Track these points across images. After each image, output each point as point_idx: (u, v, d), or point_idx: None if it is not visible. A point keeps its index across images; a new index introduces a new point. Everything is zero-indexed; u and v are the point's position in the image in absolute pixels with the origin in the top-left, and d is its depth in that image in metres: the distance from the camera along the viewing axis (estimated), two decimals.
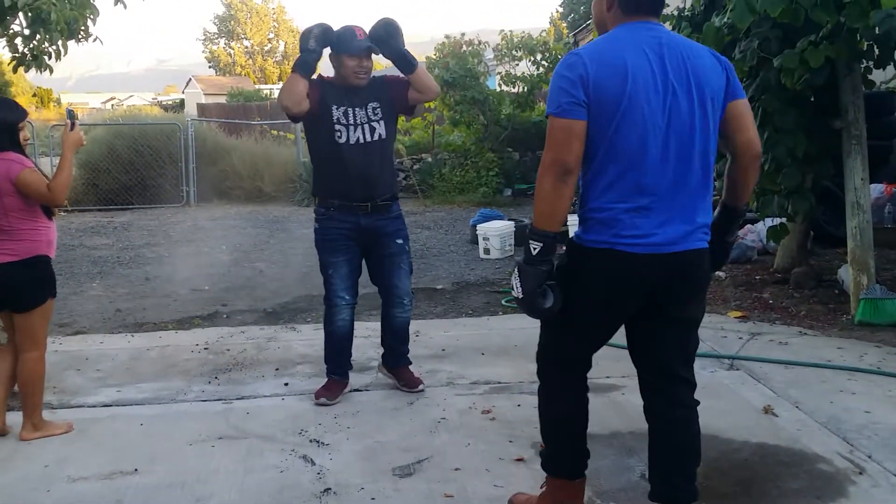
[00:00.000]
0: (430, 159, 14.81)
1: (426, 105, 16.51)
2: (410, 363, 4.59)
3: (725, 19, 5.53)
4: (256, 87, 41.52)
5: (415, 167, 14.81)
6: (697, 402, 2.78)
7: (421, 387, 4.44)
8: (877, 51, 5.67)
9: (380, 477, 3.45)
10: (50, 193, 3.75)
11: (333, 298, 4.34)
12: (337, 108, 4.14)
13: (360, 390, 4.54)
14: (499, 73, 15.26)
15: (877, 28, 4.98)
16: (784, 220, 6.67)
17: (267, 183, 14.24)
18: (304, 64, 4.12)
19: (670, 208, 2.53)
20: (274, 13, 62.88)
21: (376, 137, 4.20)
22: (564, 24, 25.87)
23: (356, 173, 4.13)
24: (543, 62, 14.45)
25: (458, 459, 3.59)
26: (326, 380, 4.42)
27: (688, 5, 6.70)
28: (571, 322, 2.71)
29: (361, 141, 4.15)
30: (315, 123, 4.20)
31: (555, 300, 2.62)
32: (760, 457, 3.60)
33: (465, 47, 14.33)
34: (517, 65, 14.81)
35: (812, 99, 6.11)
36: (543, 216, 2.54)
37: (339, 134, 4.14)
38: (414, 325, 5.68)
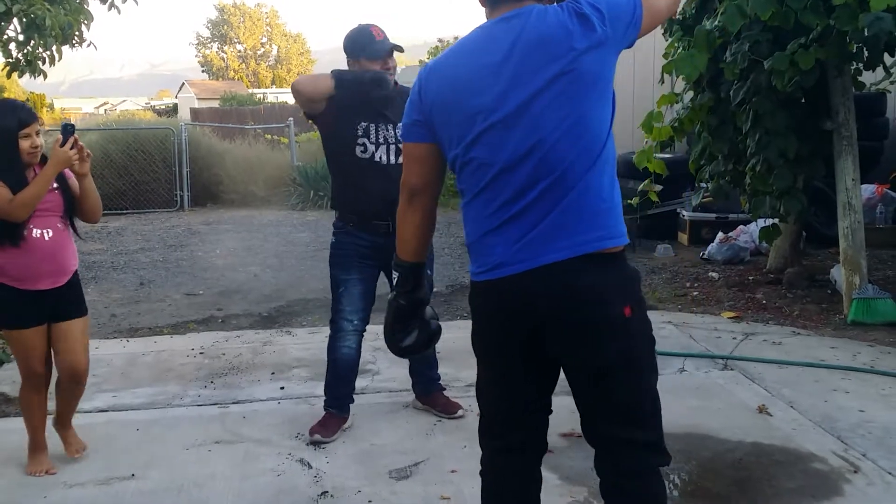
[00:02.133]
0: None
1: None
2: (444, 388, 4.27)
3: (716, 23, 5.56)
4: (250, 91, 41.52)
5: None
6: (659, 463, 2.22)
7: (461, 412, 4.10)
8: (866, 53, 5.71)
9: (376, 479, 3.47)
10: (9, 206, 3.25)
11: (340, 321, 3.95)
12: (362, 122, 3.73)
13: (357, 393, 4.54)
14: None
15: (866, 30, 5.01)
16: (776, 220, 6.70)
17: (261, 187, 14.23)
18: (342, 78, 3.69)
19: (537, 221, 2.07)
20: (267, 17, 62.91)
21: (401, 160, 3.91)
22: None
23: (377, 193, 3.71)
24: None
25: (455, 461, 3.60)
26: (324, 413, 4.02)
27: (679, 9, 6.72)
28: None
29: (384, 161, 3.77)
30: (335, 132, 3.80)
31: (417, 339, 2.41)
32: (755, 456, 3.63)
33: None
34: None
35: (803, 101, 6.16)
36: (398, 241, 2.34)
37: (361, 149, 3.75)
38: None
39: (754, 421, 4.00)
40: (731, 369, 4.82)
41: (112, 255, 9.67)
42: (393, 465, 3.60)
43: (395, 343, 2.42)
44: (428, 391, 4.22)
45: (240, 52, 61.49)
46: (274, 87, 53.85)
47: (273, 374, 4.93)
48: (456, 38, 14.80)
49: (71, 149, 3.34)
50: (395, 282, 2.38)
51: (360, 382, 4.68)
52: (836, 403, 4.21)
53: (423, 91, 2.18)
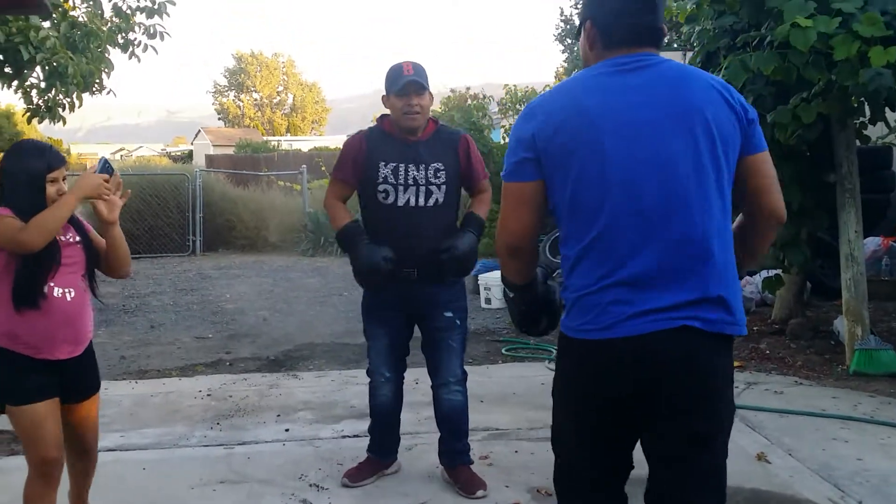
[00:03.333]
0: None
1: None
2: (471, 462, 3.90)
3: (721, 75, 5.68)
4: (264, 138, 42.01)
5: None
6: None
7: (481, 493, 3.71)
8: (867, 108, 5.82)
9: None
10: (21, 234, 2.77)
11: (372, 374, 3.90)
12: (385, 165, 3.60)
13: (360, 436, 4.59)
14: (503, 126, 15.50)
15: (867, 86, 5.12)
16: (780, 271, 6.76)
17: (272, 233, 14.40)
18: (342, 242, 3.75)
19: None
20: (284, 66, 63.84)
21: (431, 203, 3.62)
22: None
23: (403, 239, 3.57)
24: None
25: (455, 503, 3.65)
26: (365, 457, 4.00)
27: (686, 61, 6.87)
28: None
29: (412, 204, 3.60)
30: (362, 180, 3.67)
31: (549, 322, 2.36)
32: (754, 502, 3.65)
33: (469, 101, 14.59)
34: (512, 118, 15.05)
35: (807, 153, 6.25)
36: (505, 273, 2.28)
37: (384, 195, 3.60)
38: (413, 373, 5.71)
39: (753, 468, 4.02)
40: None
41: (123, 299, 9.78)
42: None
43: (532, 333, 2.43)
44: (453, 464, 3.88)
45: (256, 100, 62.32)
46: (288, 134, 54.42)
47: (279, 416, 4.99)
48: (468, 88, 15.05)
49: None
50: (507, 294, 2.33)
51: (363, 426, 4.74)
52: (834, 452, 4.24)
53: None
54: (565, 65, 27.54)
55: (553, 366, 6.10)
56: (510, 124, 15.08)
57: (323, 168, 17.44)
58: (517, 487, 3.79)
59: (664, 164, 1.99)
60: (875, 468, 3.99)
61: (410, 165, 3.61)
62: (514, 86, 15.01)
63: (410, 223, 3.60)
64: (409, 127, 3.62)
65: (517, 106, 14.82)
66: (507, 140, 15.69)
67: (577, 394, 2.13)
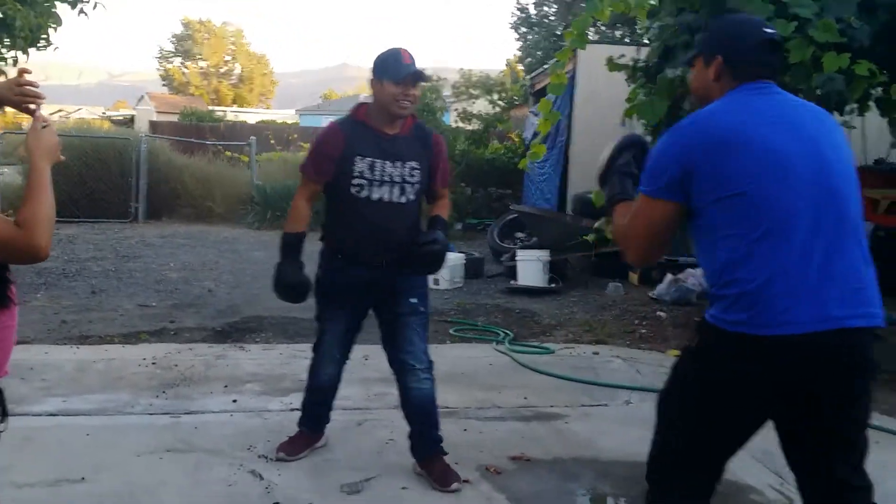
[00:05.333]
0: None
1: None
2: (445, 453, 3.74)
3: (678, 72, 5.76)
4: (210, 108, 41.26)
5: None
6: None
7: (455, 485, 3.58)
8: None
9: (328, 493, 3.52)
10: (22, 233, 2.02)
11: (321, 353, 3.85)
12: (362, 159, 3.49)
13: None
14: (455, 109, 15.51)
15: (818, 90, 5.24)
16: None
17: (218, 203, 14.20)
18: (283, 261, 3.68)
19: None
20: (232, 37, 62.73)
21: (403, 200, 3.56)
22: (521, 68, 26.39)
23: (373, 234, 3.53)
24: (500, 101, 14.72)
25: (406, 479, 3.67)
26: (296, 431, 3.96)
27: (643, 56, 6.94)
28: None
29: (385, 200, 3.53)
30: (336, 174, 3.56)
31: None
32: None
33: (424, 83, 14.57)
34: (474, 103, 15.06)
35: None
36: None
37: (357, 188, 3.50)
38: (363, 350, 5.72)
39: None
40: None
41: (63, 263, 9.57)
42: (344, 479, 3.64)
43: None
44: (428, 453, 3.72)
45: (202, 68, 61.13)
46: (235, 105, 53.54)
47: (226, 386, 4.95)
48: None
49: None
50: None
51: None
52: (775, 440, 4.34)
53: None
54: (518, 53, 27.64)
55: (501, 347, 6.18)
56: (463, 108, 15.11)
57: (273, 141, 17.30)
58: (467, 465, 3.82)
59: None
60: None
61: (387, 162, 3.52)
62: (469, 70, 15.02)
63: (381, 217, 3.53)
64: (398, 115, 3.50)
65: (471, 90, 14.86)
66: (458, 123, 15.71)
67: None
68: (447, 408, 4.66)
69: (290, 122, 35.26)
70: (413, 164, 3.56)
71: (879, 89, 5.70)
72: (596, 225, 7.09)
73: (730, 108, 2.28)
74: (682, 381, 2.39)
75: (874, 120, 6.56)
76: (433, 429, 3.75)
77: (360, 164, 3.49)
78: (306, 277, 3.62)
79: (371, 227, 3.52)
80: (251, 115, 40.53)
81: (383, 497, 3.51)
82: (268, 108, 55.18)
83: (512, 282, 8.89)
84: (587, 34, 6.93)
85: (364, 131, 3.55)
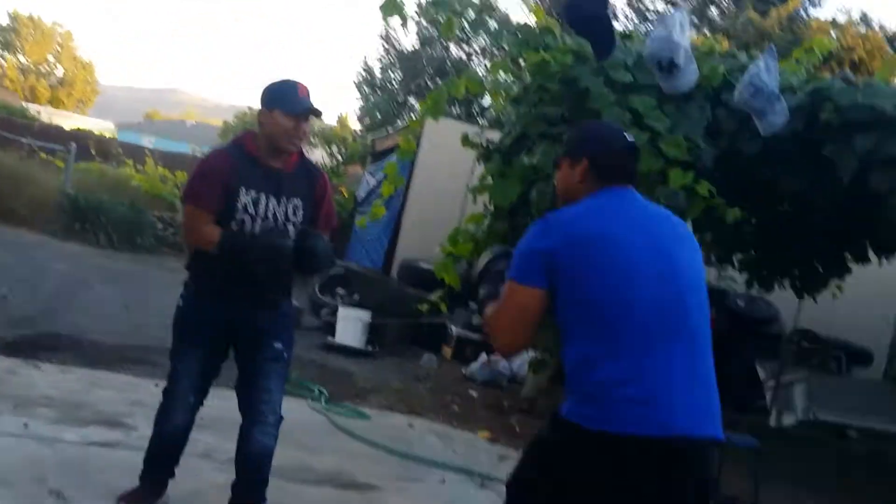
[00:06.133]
0: None
1: None
2: (264, 501, 3.54)
3: (534, 160, 5.93)
4: (24, 104, 38.59)
5: None
6: None
7: None
8: None
9: None
10: None
11: (173, 399, 3.48)
12: (246, 192, 3.26)
13: (109, 446, 4.21)
14: None
15: (661, 202, 5.54)
16: (547, 355, 7.07)
17: (23, 205, 13.12)
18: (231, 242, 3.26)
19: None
20: (60, 38, 59.46)
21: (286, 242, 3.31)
22: (359, 127, 26.68)
23: (247, 273, 3.25)
24: (338, 155, 14.70)
25: None
26: (138, 484, 3.54)
27: (485, 136, 7.10)
28: None
29: None
30: (217, 200, 3.28)
31: None
32: None
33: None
34: (311, 152, 14.97)
35: None
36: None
37: (239, 224, 3.27)
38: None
39: None
40: (488, 488, 4.95)
41: None
42: None
43: None
44: (244, 499, 3.52)
45: (22, 64, 57.38)
46: (50, 106, 50.44)
47: (16, 407, 4.47)
48: None
49: None
50: None
51: (113, 435, 4.38)
52: None
53: None
54: (358, 112, 27.92)
55: (317, 406, 5.97)
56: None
57: (94, 152, 16.33)
58: None
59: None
60: None
61: (271, 197, 3.30)
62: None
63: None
64: (287, 150, 3.30)
65: (310, 139, 14.75)
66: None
67: None
68: None
69: (107, 134, 33.53)
70: (296, 202, 3.35)
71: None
72: (432, 296, 7.09)
73: (593, 210, 2.38)
74: (531, 468, 2.40)
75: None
76: (262, 484, 3.52)
77: (245, 198, 3.26)
78: (276, 230, 3.27)
79: (247, 265, 3.23)
80: (67, 120, 38.22)
81: None
82: (83, 115, 52.30)
83: (329, 338, 8.70)
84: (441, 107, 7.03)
85: (251, 162, 3.31)
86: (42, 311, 7.34)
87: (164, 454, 3.56)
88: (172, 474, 3.61)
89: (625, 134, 2.58)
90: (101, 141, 21.07)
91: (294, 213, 3.34)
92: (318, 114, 3.37)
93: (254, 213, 3.27)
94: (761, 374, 7.72)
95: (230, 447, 4.49)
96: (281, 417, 3.51)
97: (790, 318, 10.83)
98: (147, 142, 35.40)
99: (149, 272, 11.45)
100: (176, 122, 66.93)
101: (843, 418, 8.05)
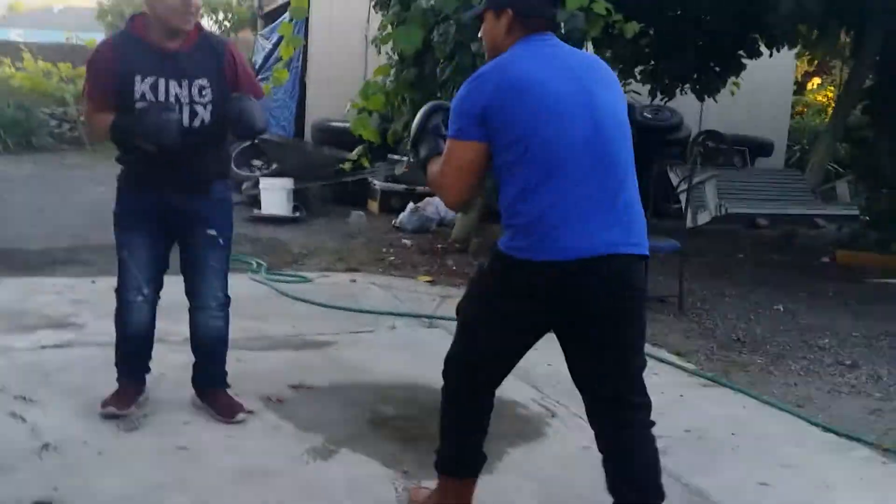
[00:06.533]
0: None
1: None
2: (228, 386, 3.63)
3: (432, 2, 5.87)
4: None
5: (81, 118, 13.73)
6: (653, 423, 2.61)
7: (241, 416, 3.50)
8: None
9: (104, 431, 3.31)
10: None
11: (126, 292, 3.40)
12: (142, 80, 3.11)
13: (62, 346, 4.26)
14: None
15: (562, 26, 5.59)
16: None
17: None
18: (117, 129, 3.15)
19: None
20: None
21: (197, 123, 3.20)
22: None
23: (164, 161, 3.15)
24: (226, 23, 14.15)
25: (185, 413, 3.55)
26: (117, 386, 3.52)
27: None
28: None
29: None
30: (115, 97, 3.16)
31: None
32: None
33: None
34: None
35: None
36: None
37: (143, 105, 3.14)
38: (109, 281, 5.27)
39: None
40: (436, 327, 5.18)
41: None
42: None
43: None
44: (209, 387, 3.60)
45: None
46: None
47: None
48: None
49: None
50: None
51: (64, 336, 4.42)
52: (526, 357, 4.68)
53: None
54: None
55: (258, 277, 6.07)
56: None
57: None
58: (248, 396, 3.73)
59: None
60: (563, 371, 4.47)
61: (171, 81, 3.14)
62: None
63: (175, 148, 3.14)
64: (180, 28, 3.14)
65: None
66: None
67: None
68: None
69: None
70: (202, 81, 3.19)
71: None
72: (352, 154, 7.12)
73: (519, 57, 2.48)
74: (476, 296, 2.68)
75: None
76: (218, 365, 3.61)
77: (141, 86, 3.12)
78: (160, 105, 3.14)
79: (159, 153, 3.12)
80: None
81: (165, 431, 3.37)
82: None
83: (255, 210, 8.70)
84: None
85: (141, 47, 3.16)
86: None
87: (133, 353, 3.55)
88: (148, 369, 3.63)
89: None
90: None
91: (200, 94, 3.20)
92: None
93: (153, 99, 3.14)
94: (673, 178, 8.03)
95: (182, 329, 4.62)
96: (227, 299, 3.55)
97: (694, 122, 11.23)
98: (15, 35, 33.25)
99: (53, 172, 11.15)
100: (42, 11, 62.64)
101: (752, 209, 8.51)
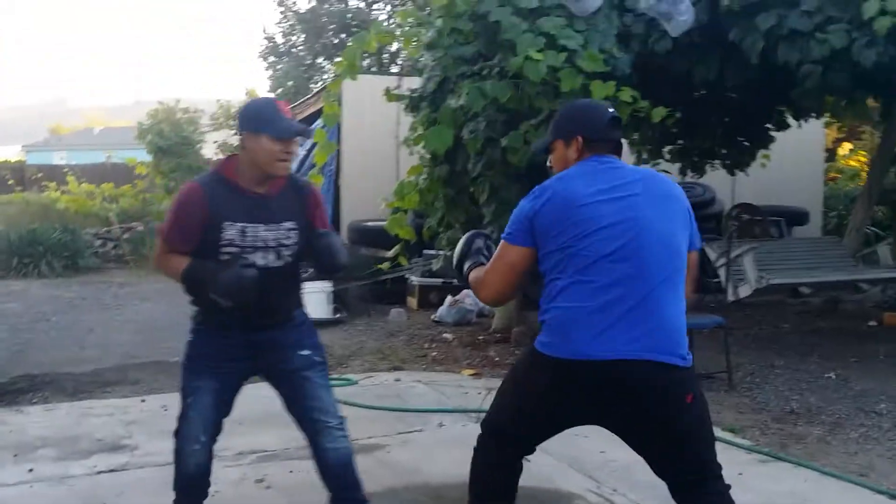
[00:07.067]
0: (141, 228, 14.23)
1: (137, 171, 15.94)
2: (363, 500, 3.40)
3: (461, 102, 6.04)
4: None
5: (125, 236, 14.14)
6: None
7: None
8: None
9: None
10: None
11: (184, 441, 3.23)
12: (231, 226, 3.06)
13: (117, 471, 4.30)
14: (215, 140, 15.17)
15: None
16: None
17: None
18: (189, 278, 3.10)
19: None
20: None
21: (280, 264, 3.16)
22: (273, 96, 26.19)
23: (246, 305, 3.06)
24: None
25: None
26: None
27: (419, 85, 7.18)
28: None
29: (259, 265, 3.08)
30: (201, 241, 3.10)
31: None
32: (523, 498, 3.90)
33: (180, 114, 14.11)
34: (234, 133, 14.80)
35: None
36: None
37: (227, 257, 3.08)
38: (159, 399, 5.49)
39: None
40: None
41: None
42: None
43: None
44: None
45: None
46: None
47: (16, 455, 4.51)
48: (178, 100, 14.51)
49: None
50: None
51: (118, 459, 4.47)
52: (579, 446, 4.64)
53: None
54: (270, 82, 27.41)
55: None
56: (222, 139, 14.81)
57: (11, 182, 15.93)
58: None
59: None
60: (618, 458, 4.44)
61: (260, 225, 3.10)
62: (228, 100, 14.77)
63: (261, 287, 3.06)
64: (276, 175, 3.10)
65: (230, 122, 14.60)
66: (218, 155, 15.38)
67: None
68: (266, 451, 4.59)
69: (14, 159, 32.53)
70: (289, 224, 3.16)
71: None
72: (390, 252, 7.22)
73: (577, 175, 2.71)
74: (516, 377, 2.93)
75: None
76: (356, 490, 3.39)
77: (230, 231, 3.06)
78: (241, 262, 3.06)
79: (212, 299, 3.04)
80: None
81: None
82: None
83: None
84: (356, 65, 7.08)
85: (232, 192, 3.10)
86: (7, 355, 7.27)
87: (191, 488, 3.35)
88: (206, 496, 3.41)
89: (608, 107, 2.88)
90: (15, 169, 20.52)
91: (287, 237, 3.16)
92: (309, 134, 3.37)
93: (241, 244, 3.08)
94: (710, 254, 8.02)
95: (233, 443, 4.65)
96: (342, 418, 3.37)
97: (726, 195, 11.25)
98: (59, 158, 34.44)
99: (100, 292, 11.36)
100: (82, 132, 65.04)
101: (793, 278, 8.46)
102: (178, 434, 3.26)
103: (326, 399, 3.29)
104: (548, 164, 2.95)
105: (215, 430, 3.29)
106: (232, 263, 3.04)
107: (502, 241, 2.76)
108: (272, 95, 27.03)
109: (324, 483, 3.38)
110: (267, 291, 3.07)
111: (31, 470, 4.29)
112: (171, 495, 3.50)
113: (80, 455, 4.53)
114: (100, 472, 4.28)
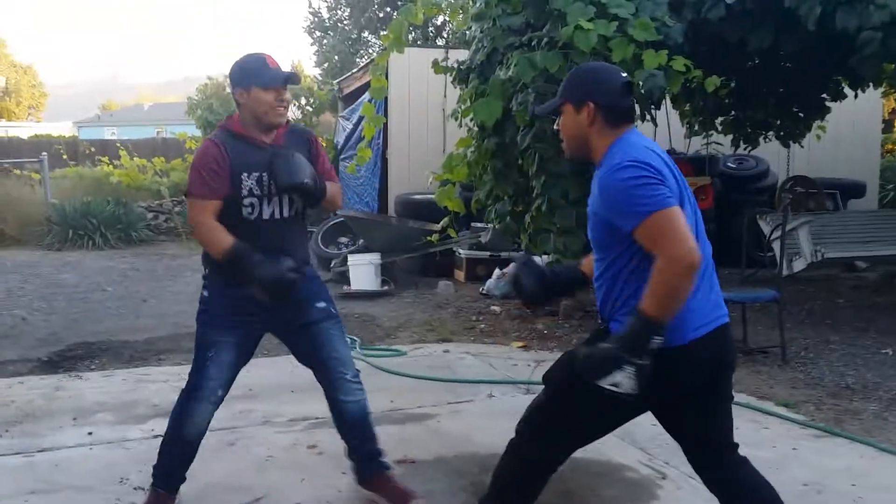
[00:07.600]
0: None
1: (187, 145, 16.13)
2: (389, 467, 3.52)
3: (510, 73, 5.98)
4: None
5: (176, 209, 14.33)
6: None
7: (416, 502, 3.38)
8: (638, 108, 6.38)
9: None
10: None
11: (200, 391, 3.30)
12: (248, 176, 3.18)
13: None
14: None
15: (641, 86, 5.62)
16: (558, 256, 7.23)
17: (11, 226, 13.16)
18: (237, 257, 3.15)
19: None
20: None
21: (293, 212, 3.30)
22: (318, 73, 26.27)
23: (270, 255, 3.15)
24: (308, 106, 14.63)
25: (297, 495, 3.61)
26: (148, 492, 3.40)
27: (467, 57, 7.13)
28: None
29: (277, 216, 3.25)
30: (221, 191, 3.20)
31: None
32: (572, 470, 3.88)
33: (228, 88, 14.22)
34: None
35: None
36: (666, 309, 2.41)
37: (249, 209, 3.20)
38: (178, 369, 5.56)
39: None
40: (534, 393, 5.14)
41: None
42: (231, 502, 3.53)
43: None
44: (369, 473, 3.50)
45: None
46: (3, 120, 49.62)
47: (75, 419, 4.63)
48: (226, 76, 14.59)
49: None
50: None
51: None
52: (632, 420, 4.62)
53: None
54: (315, 57, 27.47)
55: (353, 353, 6.15)
56: None
57: (65, 157, 16.23)
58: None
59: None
60: None
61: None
62: None
63: (276, 237, 3.24)
64: (276, 123, 3.23)
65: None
66: None
67: None
68: (318, 418, 4.63)
69: (67, 135, 33.13)
70: None
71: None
72: (439, 225, 7.22)
73: (647, 149, 2.54)
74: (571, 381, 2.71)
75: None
76: (373, 442, 3.50)
77: (248, 181, 3.18)
78: (285, 261, 3.17)
79: (265, 248, 3.17)
80: (22, 130, 37.70)
81: None
82: (39, 122, 51.47)
83: (345, 287, 8.87)
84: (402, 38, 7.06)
85: (243, 144, 3.21)
86: (65, 324, 7.46)
87: (179, 458, 3.41)
88: (183, 479, 3.46)
89: (620, 72, 2.68)
90: (68, 144, 20.90)
91: None
92: (295, 80, 3.34)
93: (259, 193, 3.20)
94: (764, 227, 7.89)
95: (285, 410, 4.71)
96: (358, 371, 3.49)
97: (781, 168, 11.03)
98: (110, 134, 35.01)
99: (153, 263, 11.58)
100: (132, 108, 66.04)
101: (848, 251, 8.30)
102: (189, 389, 3.35)
103: (343, 351, 3.41)
104: (555, 127, 2.74)
105: (229, 387, 3.39)
106: (276, 260, 3.14)
107: (663, 210, 2.37)
108: (315, 69, 27.07)
109: (341, 435, 3.52)
110: (282, 245, 3.22)
111: (90, 433, 4.41)
112: (222, 457, 3.56)
113: (137, 420, 4.63)
114: (156, 436, 4.31)
